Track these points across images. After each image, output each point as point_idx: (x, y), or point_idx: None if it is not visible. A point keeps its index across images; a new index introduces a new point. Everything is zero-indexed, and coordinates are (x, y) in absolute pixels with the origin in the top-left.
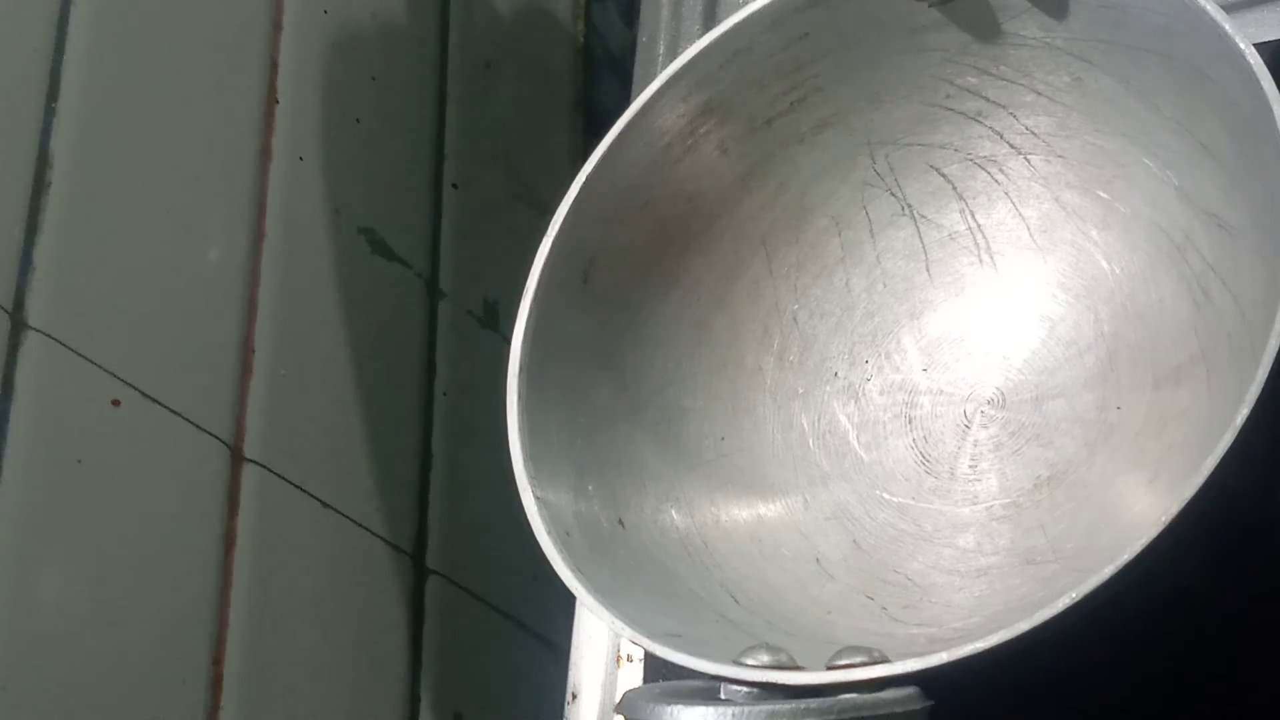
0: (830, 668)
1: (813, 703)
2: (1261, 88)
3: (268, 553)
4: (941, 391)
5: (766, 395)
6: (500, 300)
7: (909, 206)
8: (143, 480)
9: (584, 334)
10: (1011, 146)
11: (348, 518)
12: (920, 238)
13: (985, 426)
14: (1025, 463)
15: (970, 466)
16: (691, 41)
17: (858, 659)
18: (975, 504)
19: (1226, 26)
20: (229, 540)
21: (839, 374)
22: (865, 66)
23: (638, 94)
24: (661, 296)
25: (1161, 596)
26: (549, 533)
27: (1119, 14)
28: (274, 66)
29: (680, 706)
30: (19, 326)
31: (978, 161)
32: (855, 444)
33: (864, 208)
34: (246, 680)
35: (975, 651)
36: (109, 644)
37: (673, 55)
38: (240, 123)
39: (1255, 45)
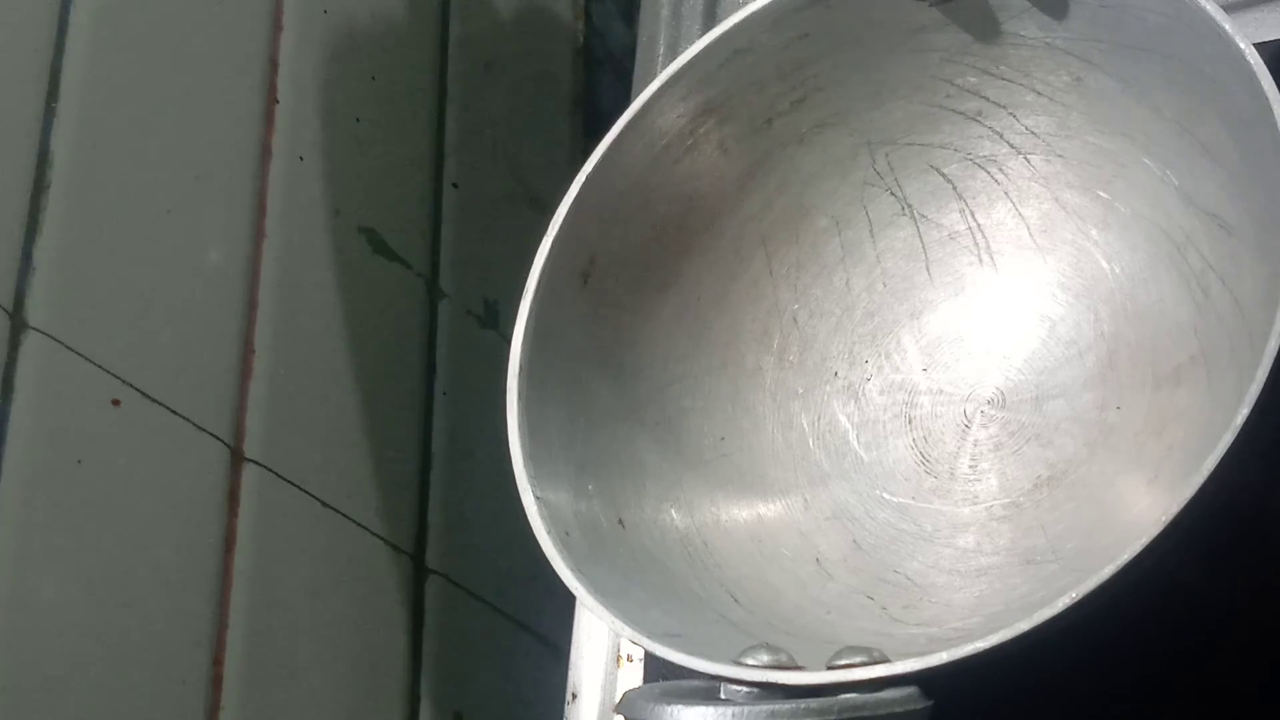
0: (830, 668)
1: (813, 703)
2: (1261, 88)
3: (268, 553)
4: (941, 391)
5: (766, 395)
6: (500, 300)
7: (909, 206)
8: (143, 480)
9: (584, 334)
10: (1011, 146)
11: (348, 518)
12: (920, 237)
13: (985, 426)
14: (1025, 463)
15: (970, 466)
16: (691, 41)
17: (858, 659)
18: (975, 504)
19: (1226, 26)
20: (229, 540)
21: (839, 374)
22: (865, 66)
23: (638, 94)
24: (661, 296)
25: (1162, 596)
26: (549, 533)
27: (1119, 14)
28: (274, 66)
29: (680, 706)
30: (19, 326)
31: (978, 161)
32: (855, 444)
33: (864, 207)
34: (246, 680)
35: (975, 651)
36: (109, 644)
37: (673, 55)
38: (240, 123)
39: (1255, 45)
